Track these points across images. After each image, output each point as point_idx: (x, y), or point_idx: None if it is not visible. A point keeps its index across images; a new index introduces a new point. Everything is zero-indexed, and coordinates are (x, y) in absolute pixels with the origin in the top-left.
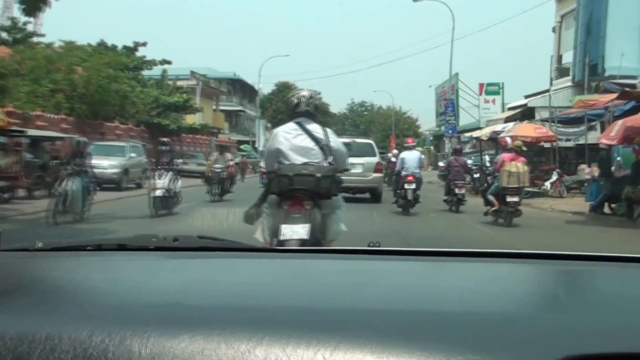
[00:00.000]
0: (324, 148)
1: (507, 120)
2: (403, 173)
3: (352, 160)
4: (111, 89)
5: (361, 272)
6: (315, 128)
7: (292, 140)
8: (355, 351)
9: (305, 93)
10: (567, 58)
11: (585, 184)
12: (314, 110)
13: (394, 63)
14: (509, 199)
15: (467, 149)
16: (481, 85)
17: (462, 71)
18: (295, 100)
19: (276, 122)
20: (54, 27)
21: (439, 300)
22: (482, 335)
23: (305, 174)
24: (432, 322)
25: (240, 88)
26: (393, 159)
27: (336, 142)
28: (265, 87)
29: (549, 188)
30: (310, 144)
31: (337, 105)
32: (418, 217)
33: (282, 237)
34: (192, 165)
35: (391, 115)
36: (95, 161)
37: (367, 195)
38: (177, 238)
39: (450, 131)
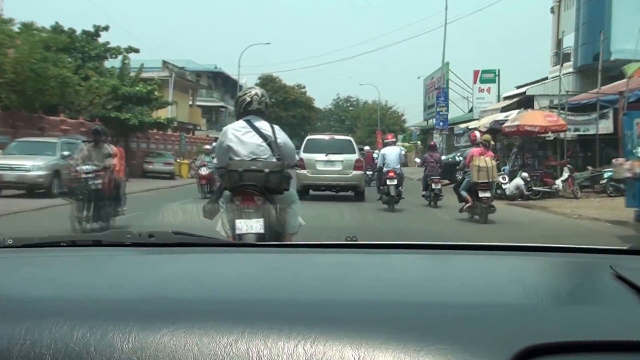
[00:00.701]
0: (272, 144)
1: (505, 110)
2: (384, 169)
3: (331, 157)
4: (48, 75)
5: (338, 265)
6: (263, 125)
7: (241, 137)
8: (335, 342)
9: (256, 91)
10: (568, 42)
11: (625, 184)
12: (264, 109)
13: (380, 54)
14: (480, 194)
15: (462, 142)
16: (476, 72)
17: (453, 60)
18: (248, 99)
19: None
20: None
21: (412, 292)
22: (452, 325)
23: (254, 170)
24: (406, 313)
25: (222, 82)
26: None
27: (284, 138)
28: (248, 81)
29: (560, 187)
30: (259, 140)
31: (323, 101)
32: (400, 212)
33: (238, 232)
34: (158, 165)
35: (377, 110)
36: (14, 161)
37: (350, 193)
38: (153, 234)
39: (441, 123)
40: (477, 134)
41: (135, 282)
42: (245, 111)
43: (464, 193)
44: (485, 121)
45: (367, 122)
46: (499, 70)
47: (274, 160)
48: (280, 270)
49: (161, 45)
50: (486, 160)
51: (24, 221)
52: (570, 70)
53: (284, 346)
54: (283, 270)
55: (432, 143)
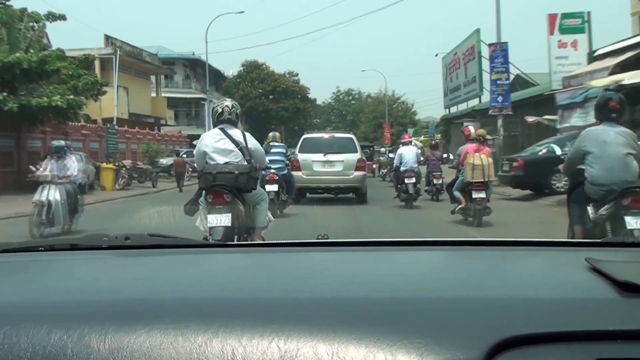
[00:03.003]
0: (243, 150)
1: (615, 71)
2: (402, 168)
3: (330, 157)
4: None
5: (310, 263)
6: (236, 133)
7: (215, 144)
8: (307, 339)
9: (227, 103)
10: None
11: None
12: (235, 118)
13: (383, 28)
14: (475, 195)
15: (569, 121)
16: (551, 18)
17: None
18: (220, 110)
19: (244, 110)
20: None
21: (384, 288)
22: (425, 319)
23: (225, 172)
24: (378, 309)
25: (204, 73)
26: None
27: (254, 144)
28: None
29: None
30: (231, 146)
31: (322, 95)
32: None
33: (209, 225)
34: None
35: (383, 101)
36: None
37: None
38: (129, 237)
39: (499, 99)
40: (472, 128)
41: (112, 284)
42: (218, 120)
43: (456, 193)
44: (603, 83)
45: (372, 116)
46: (589, 13)
47: (245, 163)
48: (252, 270)
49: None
50: (482, 158)
51: None
52: None
53: (258, 344)
54: (255, 269)
55: (433, 142)
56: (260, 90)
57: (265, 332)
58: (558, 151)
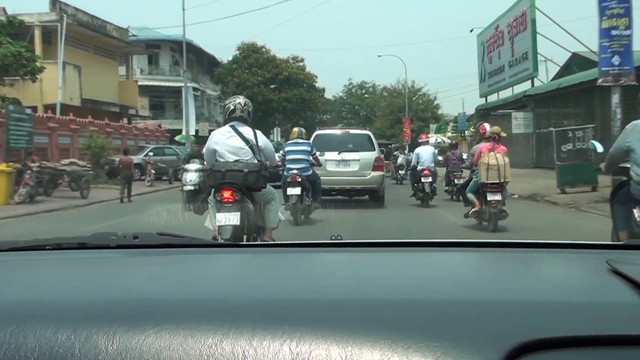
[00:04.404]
0: (254, 147)
1: None
2: (419, 168)
3: (345, 156)
4: None
5: (323, 264)
6: (246, 131)
7: (226, 141)
8: (320, 342)
9: (240, 100)
10: None
11: None
12: (247, 116)
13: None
14: (489, 197)
15: None
16: None
17: None
18: (232, 107)
19: None
20: None
21: (399, 290)
22: (442, 322)
23: (234, 170)
24: (393, 311)
25: (197, 60)
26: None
27: (264, 142)
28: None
29: None
30: (241, 144)
31: (332, 89)
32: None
33: (217, 224)
34: None
35: (401, 93)
36: None
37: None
38: (137, 236)
39: (616, 60)
40: (487, 126)
41: (120, 283)
42: (230, 117)
43: (470, 195)
44: None
45: (388, 110)
46: None
47: (255, 161)
48: (264, 270)
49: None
50: (497, 157)
51: None
52: None
53: (269, 345)
54: (267, 269)
55: (453, 142)
56: (260, 78)
57: (277, 334)
58: (600, 148)
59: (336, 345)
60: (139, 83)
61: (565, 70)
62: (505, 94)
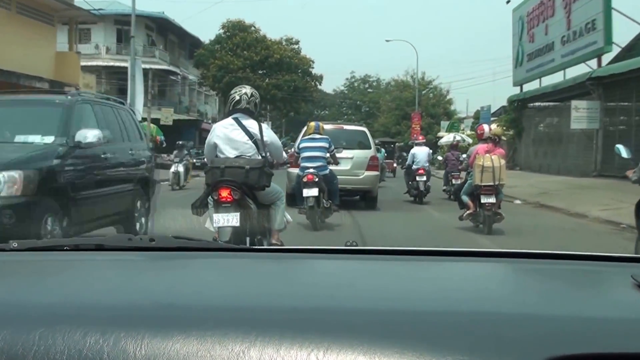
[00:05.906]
0: (258, 142)
1: None
2: (414, 167)
3: (338, 154)
4: None
5: (343, 272)
6: (251, 124)
7: (228, 135)
8: (348, 352)
9: (246, 91)
10: None
11: None
12: (253, 108)
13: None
14: (483, 199)
15: None
16: None
17: None
18: (237, 97)
19: (222, 88)
20: None
21: (424, 301)
22: (469, 334)
23: (235, 166)
24: (420, 322)
25: (179, 43)
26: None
27: (271, 137)
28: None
29: None
30: (244, 138)
31: (332, 82)
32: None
33: (215, 225)
34: None
35: (409, 85)
36: None
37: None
38: (153, 238)
39: None
40: (486, 127)
41: (143, 287)
42: (234, 109)
43: (464, 198)
44: None
45: (394, 104)
46: None
47: (259, 158)
48: (285, 276)
49: None
50: (492, 159)
51: None
52: None
53: (296, 354)
54: (288, 276)
55: (454, 143)
56: (246, 61)
57: (305, 343)
58: (626, 154)
59: (363, 355)
60: (102, 63)
61: (629, 52)
62: (549, 80)
